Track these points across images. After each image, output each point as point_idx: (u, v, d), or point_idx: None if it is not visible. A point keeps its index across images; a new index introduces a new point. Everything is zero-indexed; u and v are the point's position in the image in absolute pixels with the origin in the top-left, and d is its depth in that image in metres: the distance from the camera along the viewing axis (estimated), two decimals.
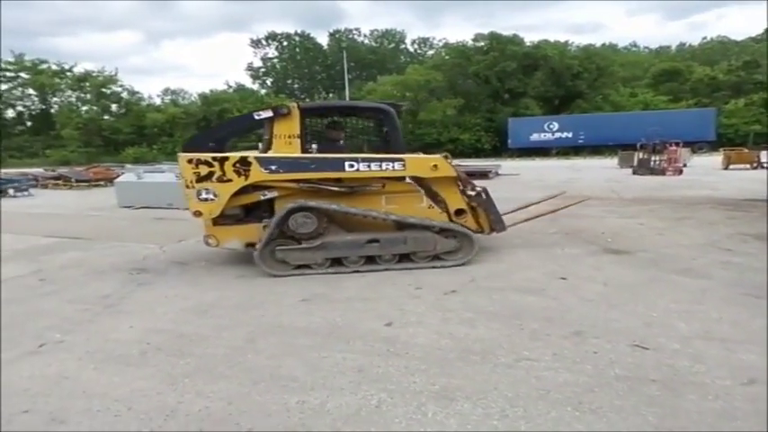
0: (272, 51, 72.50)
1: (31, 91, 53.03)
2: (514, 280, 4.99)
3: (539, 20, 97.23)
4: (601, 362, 3.10)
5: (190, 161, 5.26)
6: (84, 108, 51.76)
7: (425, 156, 5.85)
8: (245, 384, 2.95)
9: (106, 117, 50.88)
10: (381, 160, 5.47)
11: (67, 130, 46.79)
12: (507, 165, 27.06)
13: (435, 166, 5.58)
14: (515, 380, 2.90)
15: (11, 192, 16.56)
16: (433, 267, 5.49)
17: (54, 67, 52.11)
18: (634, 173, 19.67)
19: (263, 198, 5.47)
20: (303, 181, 5.37)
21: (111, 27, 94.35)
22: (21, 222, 10.44)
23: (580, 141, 40.54)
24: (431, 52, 69.15)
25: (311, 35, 72.38)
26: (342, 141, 5.98)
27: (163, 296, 4.78)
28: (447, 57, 53.58)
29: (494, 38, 49.00)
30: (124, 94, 52.85)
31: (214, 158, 5.25)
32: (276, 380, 3.00)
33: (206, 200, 5.29)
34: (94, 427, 2.51)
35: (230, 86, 62.73)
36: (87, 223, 10.13)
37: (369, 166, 5.42)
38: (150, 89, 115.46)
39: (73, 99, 53.22)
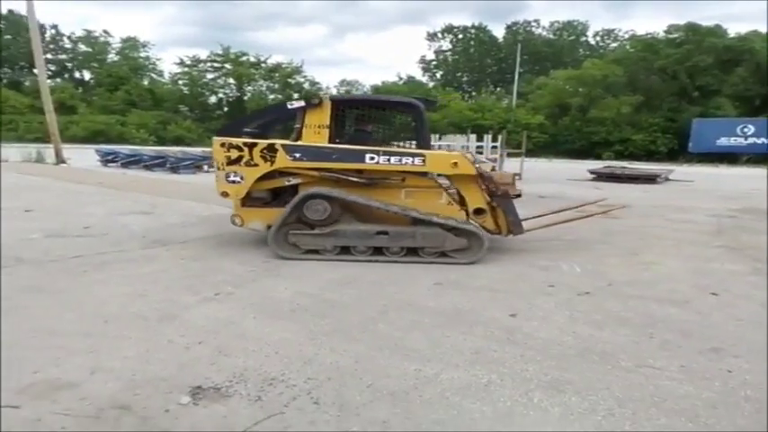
0: (445, 44, 73.62)
1: (231, 80, 60.48)
2: (657, 290, 4.75)
3: (750, 8, 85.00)
4: (733, 381, 2.93)
5: (222, 145, 5.63)
6: (271, 96, 57.72)
7: (446, 152, 5.75)
8: (372, 348, 3.31)
9: None
10: (401, 154, 5.56)
11: None
12: (683, 170, 24.64)
13: (455, 163, 5.58)
14: (631, 384, 2.88)
15: (205, 167, 19.23)
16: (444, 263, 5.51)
17: (252, 59, 58.92)
18: None
19: (287, 184, 5.77)
20: (325, 170, 5.60)
21: (302, 21, 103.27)
22: (208, 194, 12.16)
23: None
24: (614, 45, 64.91)
25: (487, 28, 72.09)
26: (371, 133, 6.15)
27: (313, 267, 5.37)
28: (631, 50, 49.72)
29: (690, 29, 44.20)
30: (306, 85, 57.94)
31: (245, 144, 5.59)
32: (399, 349, 3.31)
33: (233, 182, 5.67)
34: (248, 363, 3.04)
35: (401, 78, 65.15)
36: None
37: (389, 160, 5.53)
38: (329, 80, 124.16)
39: (263, 88, 59.72)
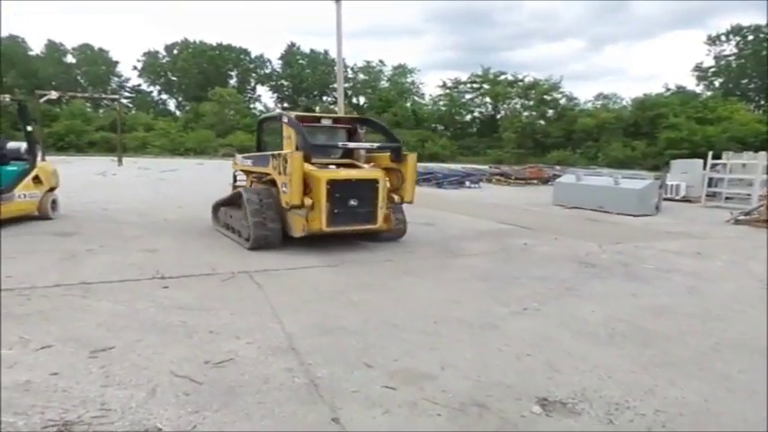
0: (730, 48, 63.92)
1: (487, 99, 62.35)
2: None
3: None
4: None
5: None
6: (525, 113, 57.67)
7: None
8: (717, 389, 3.02)
9: (541, 122, 55.41)
10: None
11: (507, 133, 53.06)
12: None
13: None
14: None
15: (467, 183, 20.09)
16: None
17: (509, 78, 59.88)
18: None
19: None
20: None
21: (558, 36, 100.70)
22: (478, 210, 12.65)
23: None
24: None
25: None
26: None
27: (615, 290, 5.16)
28: None
29: None
30: (562, 101, 56.49)
31: None
32: (752, 394, 2.95)
33: None
34: (584, 383, 3.04)
35: (668, 89, 58.72)
36: (528, 216, 11.50)
37: None
38: (585, 94, 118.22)
39: (518, 106, 59.93)
